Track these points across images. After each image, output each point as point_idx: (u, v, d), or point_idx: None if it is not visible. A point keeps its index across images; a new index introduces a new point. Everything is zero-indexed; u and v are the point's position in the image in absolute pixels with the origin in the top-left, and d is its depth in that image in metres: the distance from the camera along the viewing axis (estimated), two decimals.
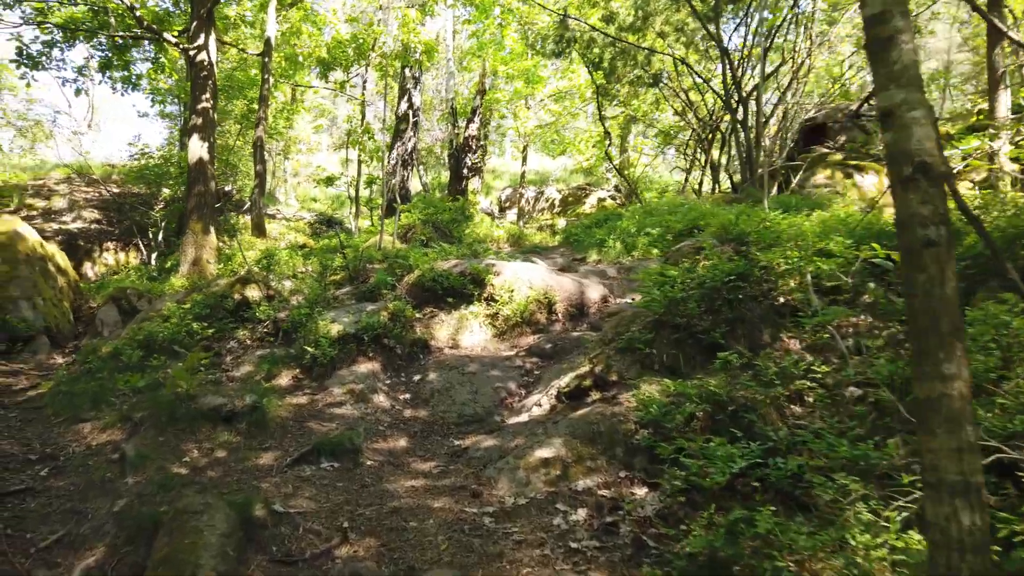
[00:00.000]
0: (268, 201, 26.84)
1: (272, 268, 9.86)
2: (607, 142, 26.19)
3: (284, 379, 6.43)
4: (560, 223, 26.58)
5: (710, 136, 19.01)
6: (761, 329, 5.69)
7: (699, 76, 16.76)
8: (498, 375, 6.32)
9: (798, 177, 15.40)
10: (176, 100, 22.34)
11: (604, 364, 5.57)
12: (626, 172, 27.57)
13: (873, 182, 13.02)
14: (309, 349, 6.37)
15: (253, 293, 8.04)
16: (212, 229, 11.88)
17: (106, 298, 9.90)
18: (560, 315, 7.35)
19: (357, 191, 18.29)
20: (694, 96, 20.30)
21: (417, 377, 6.53)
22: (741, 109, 15.18)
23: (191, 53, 12.11)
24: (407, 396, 6.27)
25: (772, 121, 17.29)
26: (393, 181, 20.13)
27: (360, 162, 18.32)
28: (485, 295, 7.54)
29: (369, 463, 5.04)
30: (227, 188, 23.68)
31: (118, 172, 21.68)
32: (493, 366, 6.49)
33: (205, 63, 12.11)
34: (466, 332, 7.22)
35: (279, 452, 5.07)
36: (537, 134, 25.20)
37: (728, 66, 15.02)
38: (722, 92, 15.88)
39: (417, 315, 7.29)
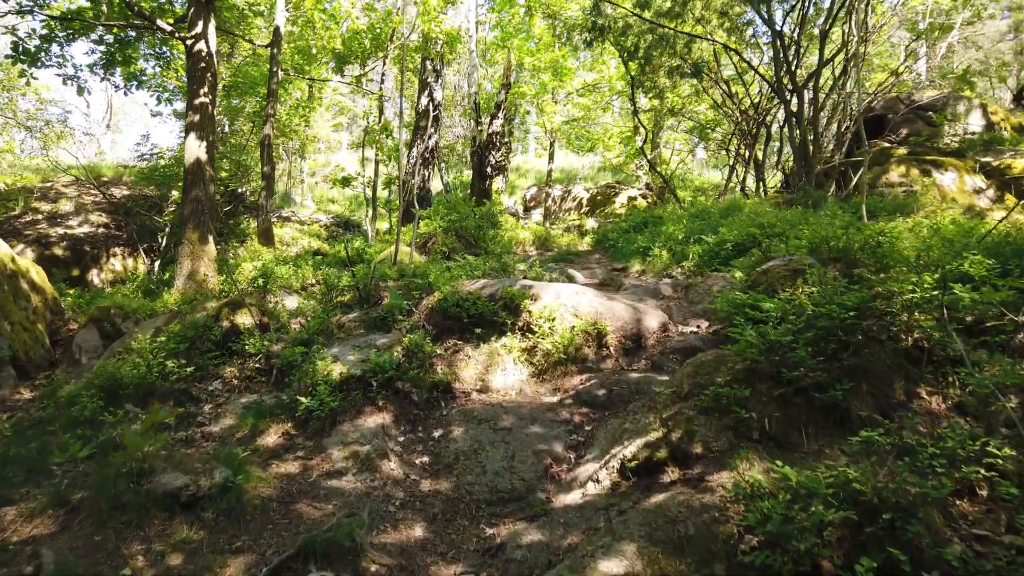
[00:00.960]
0: (283, 203, 25.75)
1: (269, 287, 8.61)
2: (640, 137, 24.77)
3: (272, 436, 5.15)
4: (588, 223, 25.20)
5: (754, 130, 17.49)
6: (892, 382, 4.30)
7: (749, 64, 15.22)
8: (539, 432, 4.98)
9: (859, 175, 13.86)
10: (185, 98, 21.28)
11: (683, 429, 4.20)
12: (659, 169, 26.19)
13: (954, 180, 11.48)
14: (304, 400, 5.08)
15: (244, 320, 6.78)
16: (211, 238, 10.68)
17: (86, 320, 8.74)
18: (612, 349, 5.99)
19: (374, 192, 17.06)
20: (735, 87, 18.78)
21: (438, 432, 5.22)
22: (795, 99, 13.67)
23: (188, 43, 10.91)
24: (425, 459, 4.95)
25: (822, 113, 15.73)
26: (413, 181, 18.93)
27: (378, 161, 17.10)
28: (520, 324, 6.20)
29: (373, 568, 3.74)
30: (240, 190, 22.68)
31: (130, 174, 20.71)
32: (533, 419, 5.15)
33: (204, 53, 10.91)
34: (497, 371, 5.89)
35: (253, 555, 3.78)
36: (564, 130, 23.80)
37: (782, 51, 13.52)
38: (772, 80, 14.38)
39: (438, 350, 5.97)
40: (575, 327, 5.97)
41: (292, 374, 5.68)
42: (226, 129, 22.56)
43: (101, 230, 19.29)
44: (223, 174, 18.66)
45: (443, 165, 25.04)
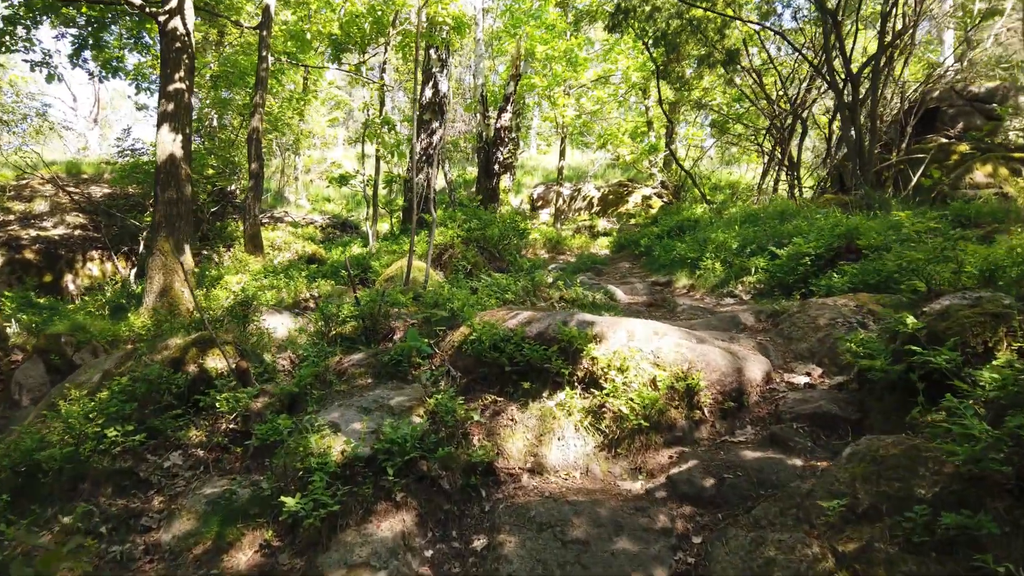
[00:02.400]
0: (275, 202, 24.13)
1: (250, 316, 7.05)
2: (655, 133, 23.24)
3: (246, 551, 3.61)
4: (600, 224, 23.73)
5: (791, 124, 15.97)
6: None
7: (797, 48, 13.67)
8: (630, 549, 3.45)
9: (919, 173, 12.37)
10: None
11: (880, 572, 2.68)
12: (673, 167, 24.70)
13: None
14: (289, 502, 3.53)
15: (216, 363, 5.24)
16: (187, 248, 9.12)
17: (31, 351, 7.20)
18: (707, 411, 4.46)
19: (375, 192, 15.50)
20: (767, 78, 17.26)
21: (480, 542, 3.68)
22: (849, 88, 12.14)
23: (161, 20, 9.35)
24: None
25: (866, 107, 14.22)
26: (418, 178, 17.42)
27: (378, 158, 15.54)
28: (581, 375, 4.66)
29: None
30: (230, 188, 21.13)
31: (111, 171, 19.10)
32: (616, 524, 3.62)
33: (179, 32, 9.35)
34: (553, 441, 4.36)
35: None
36: (577, 125, 22.25)
37: (835, 35, 11.99)
38: (822, 68, 12.85)
39: (474, 414, 4.42)
40: (657, 380, 4.44)
41: (276, 453, 4.13)
42: (214, 123, 20.98)
43: (78, 232, 17.70)
44: (210, 171, 17.07)
45: (447, 162, 23.48)
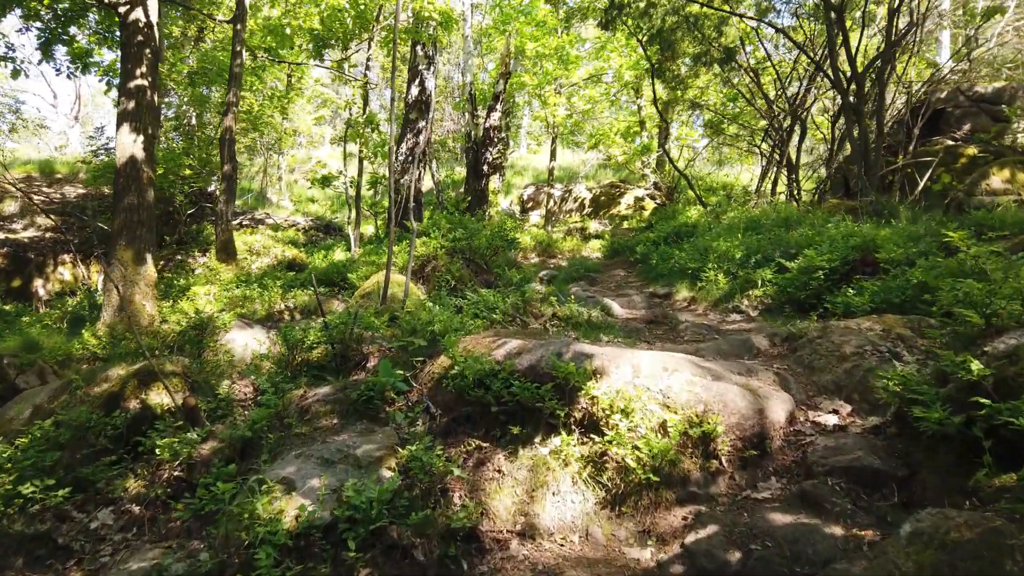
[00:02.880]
0: (256, 203, 23.36)
1: (206, 339, 6.38)
2: (647, 133, 22.74)
3: None
4: (592, 226, 23.15)
5: (789, 125, 15.42)
6: None
7: (798, 45, 13.11)
8: None
9: (926, 177, 11.84)
10: None
11: None
12: (668, 168, 24.18)
13: None
14: None
15: (160, 398, 4.58)
16: (149, 257, 8.42)
17: None
18: (725, 460, 3.85)
19: (358, 193, 14.81)
20: (766, 78, 16.73)
21: None
22: (854, 88, 11.58)
23: (121, 10, 8.65)
24: None
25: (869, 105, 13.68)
26: (404, 180, 16.78)
27: (362, 159, 14.86)
28: (578, 416, 4.04)
29: None
30: (210, 188, 20.40)
31: (87, 170, 18.31)
32: None
33: (141, 24, 8.66)
34: (547, 498, 3.73)
35: None
36: (568, 124, 21.63)
37: (839, 31, 11.42)
38: (824, 65, 12.29)
39: (454, 468, 3.77)
40: (667, 425, 3.82)
41: (217, 519, 3.48)
42: (192, 121, 20.23)
43: (49, 235, 16.95)
44: (187, 172, 16.32)
45: (434, 162, 22.80)
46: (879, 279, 6.52)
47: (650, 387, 4.01)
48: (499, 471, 3.85)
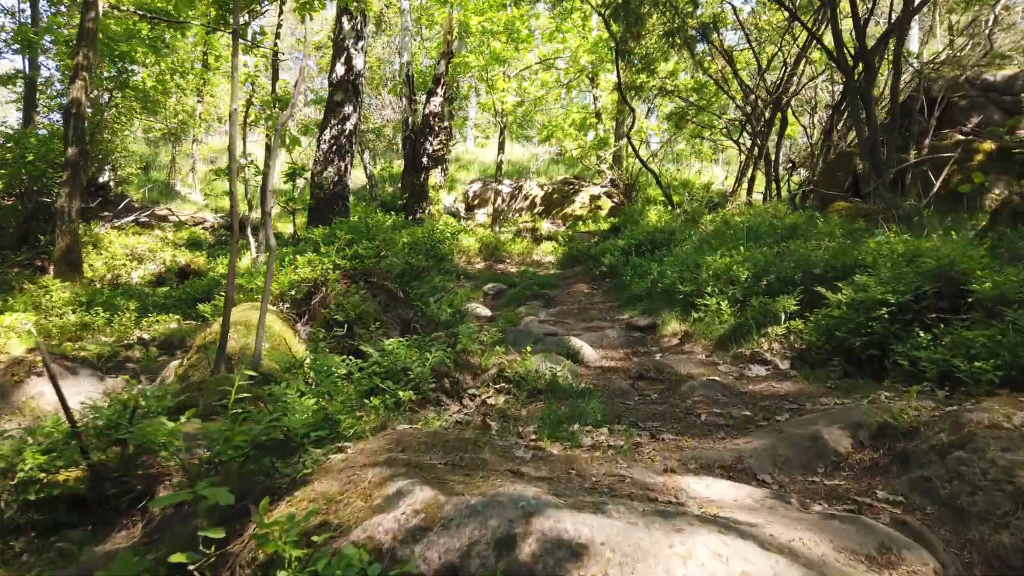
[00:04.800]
0: (159, 197, 20.33)
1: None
2: (616, 124, 20.70)
3: None
4: (544, 226, 20.96)
5: (770, 116, 13.46)
6: None
7: (795, 16, 11.07)
8: None
9: (941, 177, 9.99)
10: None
11: None
12: (625, 164, 22.20)
13: None
14: None
15: None
16: None
17: None
18: None
19: (264, 189, 12.15)
20: (741, 60, 14.76)
21: None
22: (861, 68, 9.61)
23: None
24: None
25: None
26: (327, 173, 14.26)
27: (269, 146, 12.25)
28: None
29: None
30: (103, 179, 17.37)
31: None
32: None
33: None
34: None
35: None
36: (518, 113, 19.33)
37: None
38: (821, 37, 10.30)
39: None
40: None
41: None
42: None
43: None
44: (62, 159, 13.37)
45: (367, 153, 20.18)
46: (971, 322, 4.44)
47: None
48: None
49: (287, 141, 11.68)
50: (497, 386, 4.34)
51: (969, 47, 12.40)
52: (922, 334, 4.48)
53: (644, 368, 5.27)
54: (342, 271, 5.14)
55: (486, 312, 8.20)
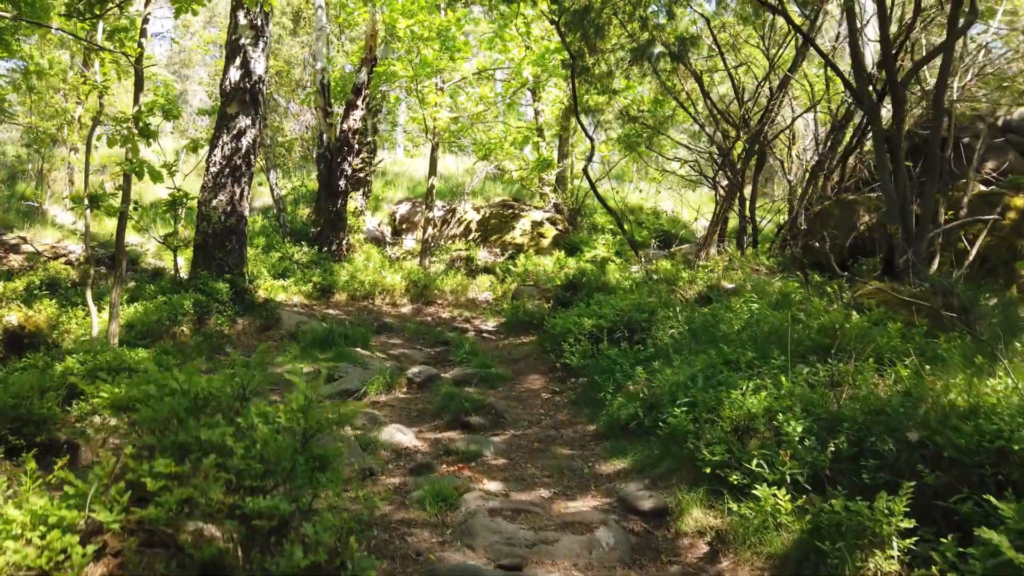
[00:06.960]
0: (14, 218, 16.80)
1: None
2: (563, 144, 18.51)
3: None
4: (480, 255, 18.58)
5: (748, 152, 11.46)
6: None
7: (804, 35, 9.01)
8: None
9: (977, 243, 8.16)
10: None
11: None
12: (570, 187, 20.10)
13: None
14: None
15: None
16: None
17: None
18: None
19: (121, 226, 9.27)
20: (714, 86, 12.75)
21: None
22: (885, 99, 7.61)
23: None
24: None
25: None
26: (217, 201, 11.52)
27: (127, 173, 9.42)
28: None
29: None
30: None
31: None
32: None
33: None
34: None
35: None
36: (453, 130, 16.86)
37: (878, 9, 7.38)
38: (846, 73, 8.26)
39: None
40: None
41: None
42: None
43: None
44: None
45: (275, 172, 17.28)
46: None
47: None
48: None
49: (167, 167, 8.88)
50: None
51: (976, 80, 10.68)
52: None
53: None
54: (112, 534, 2.50)
55: (406, 439, 5.75)
